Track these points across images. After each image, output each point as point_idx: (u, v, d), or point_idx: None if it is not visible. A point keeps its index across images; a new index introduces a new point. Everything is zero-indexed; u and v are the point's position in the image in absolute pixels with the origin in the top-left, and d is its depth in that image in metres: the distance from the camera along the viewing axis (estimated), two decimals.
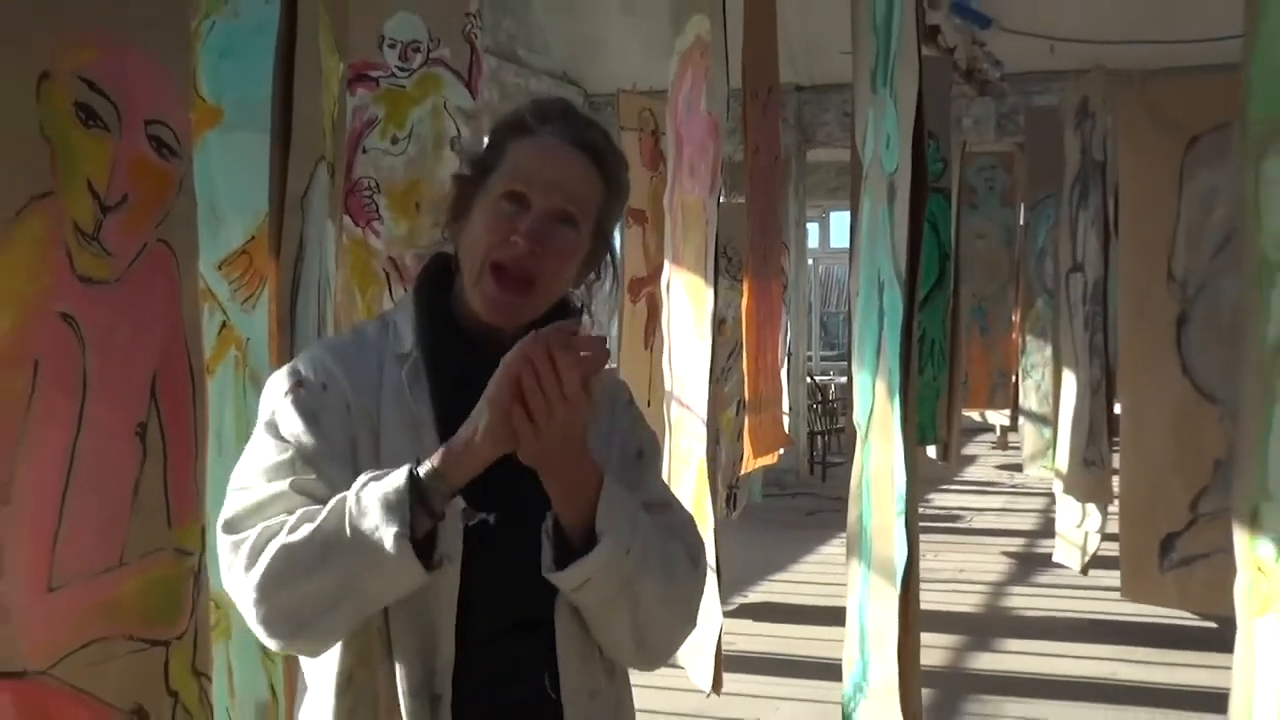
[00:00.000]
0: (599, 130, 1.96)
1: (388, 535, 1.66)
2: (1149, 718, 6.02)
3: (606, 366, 1.80)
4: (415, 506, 1.68)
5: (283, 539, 1.73)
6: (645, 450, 2.06)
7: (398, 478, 1.69)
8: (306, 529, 1.72)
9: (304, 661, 1.96)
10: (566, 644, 1.88)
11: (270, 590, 1.74)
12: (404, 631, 1.81)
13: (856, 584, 4.78)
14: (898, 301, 4.23)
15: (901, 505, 4.23)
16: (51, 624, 2.24)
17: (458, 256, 1.93)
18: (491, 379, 1.69)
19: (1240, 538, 3.74)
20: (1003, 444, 16.69)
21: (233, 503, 1.85)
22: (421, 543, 1.70)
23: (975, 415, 14.96)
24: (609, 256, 2.04)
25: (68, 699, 2.25)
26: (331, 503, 1.73)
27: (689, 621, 2.00)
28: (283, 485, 1.81)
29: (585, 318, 2.05)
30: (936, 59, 9.15)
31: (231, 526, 1.83)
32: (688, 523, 2.05)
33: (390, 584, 1.73)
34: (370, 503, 1.69)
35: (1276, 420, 3.53)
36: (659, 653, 1.97)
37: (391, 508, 1.67)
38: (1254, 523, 3.65)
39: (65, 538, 2.25)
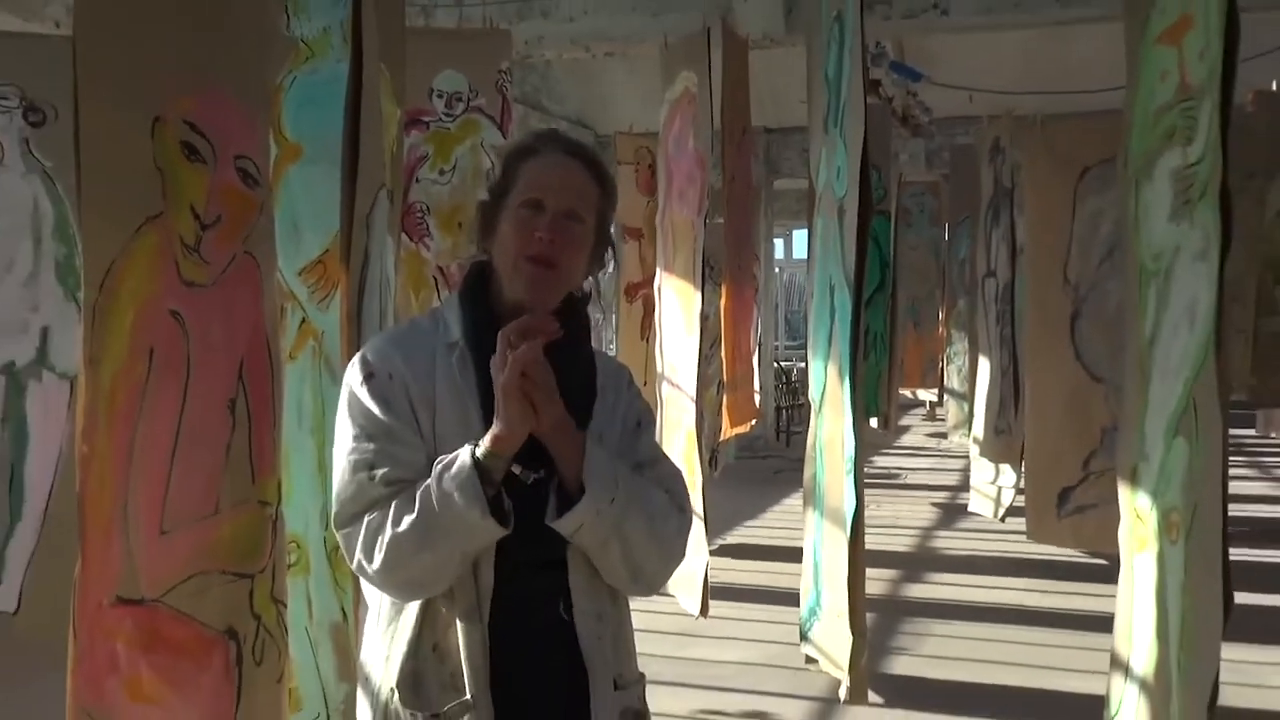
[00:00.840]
0: (587, 146, 2.01)
1: (472, 513, 1.75)
2: (1048, 636, 6.02)
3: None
4: (483, 482, 1.76)
5: (390, 532, 1.80)
6: (642, 420, 2.06)
7: (465, 465, 1.77)
8: (408, 520, 1.79)
9: (369, 592, 1.98)
10: (577, 577, 1.89)
11: (390, 573, 1.83)
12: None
13: (811, 529, 4.78)
14: (847, 301, 4.22)
15: (850, 465, 4.23)
16: (163, 560, 2.25)
17: (492, 263, 1.94)
18: (500, 383, 1.77)
19: (1123, 491, 3.74)
20: (931, 416, 16.70)
21: (336, 497, 1.91)
22: (493, 505, 1.77)
23: (909, 393, 14.97)
24: (609, 250, 2.05)
25: (175, 621, 2.27)
26: (419, 494, 1.80)
27: (676, 556, 2.01)
28: (372, 477, 1.85)
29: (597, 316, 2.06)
30: (877, 106, 9.13)
31: (339, 521, 1.89)
32: (675, 474, 2.06)
33: (481, 543, 1.80)
34: (451, 489, 1.77)
35: (1152, 397, 3.53)
36: (652, 583, 1.98)
37: (467, 490, 1.76)
38: (1133, 479, 3.66)
39: (173, 491, 2.27)
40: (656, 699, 2.09)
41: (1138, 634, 3.62)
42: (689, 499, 2.07)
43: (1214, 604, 3.08)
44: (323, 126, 3.24)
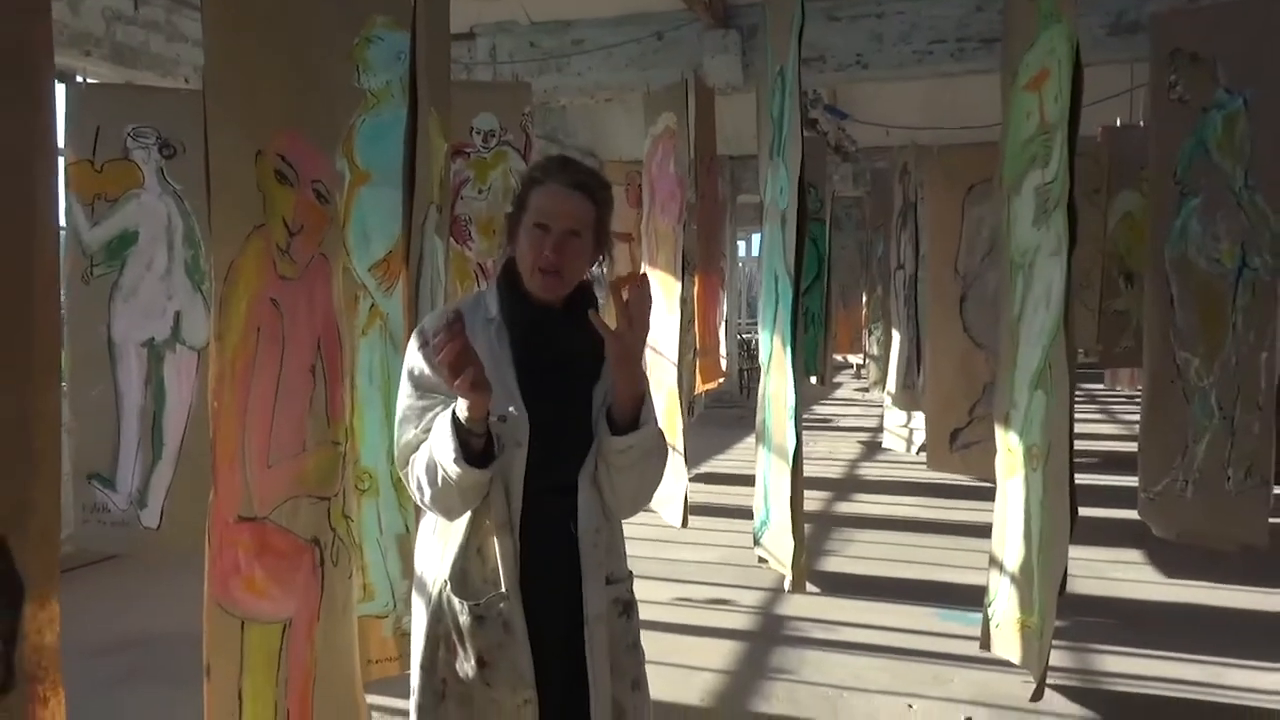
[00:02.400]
0: (586, 171, 1.93)
1: (450, 462, 1.74)
2: (943, 541, 6.04)
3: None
4: (463, 438, 1.74)
5: (417, 473, 1.83)
6: None
7: (445, 424, 1.76)
8: (424, 464, 1.81)
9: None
10: (584, 499, 1.88)
11: (430, 504, 1.84)
12: (496, 489, 1.82)
13: (762, 461, 4.79)
14: (788, 288, 4.22)
15: (792, 412, 4.24)
16: (269, 487, 2.27)
17: (516, 260, 1.93)
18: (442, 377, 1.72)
19: (998, 431, 3.77)
20: (857, 375, 16.72)
21: (396, 443, 1.91)
22: (483, 452, 1.76)
23: (841, 357, 15.02)
24: (608, 245, 2.01)
25: (277, 533, 2.28)
26: (427, 444, 1.81)
27: (658, 484, 2.00)
28: (419, 430, 1.86)
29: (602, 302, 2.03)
30: (815, 138, 9.11)
31: (399, 464, 1.91)
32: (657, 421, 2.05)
33: (471, 483, 1.77)
34: (437, 444, 1.77)
35: (1020, 359, 3.55)
36: (638, 508, 1.97)
37: (446, 444, 1.74)
38: (1006, 422, 3.68)
39: (275, 434, 2.27)
40: (645, 589, 2.10)
41: (1009, 539, 3.65)
42: (666, 441, 2.07)
43: (1063, 516, 3.11)
44: (386, 157, 3.22)
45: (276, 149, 2.26)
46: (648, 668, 2.03)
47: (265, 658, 2.23)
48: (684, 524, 5.79)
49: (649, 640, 2.05)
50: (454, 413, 1.74)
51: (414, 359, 1.88)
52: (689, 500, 5.85)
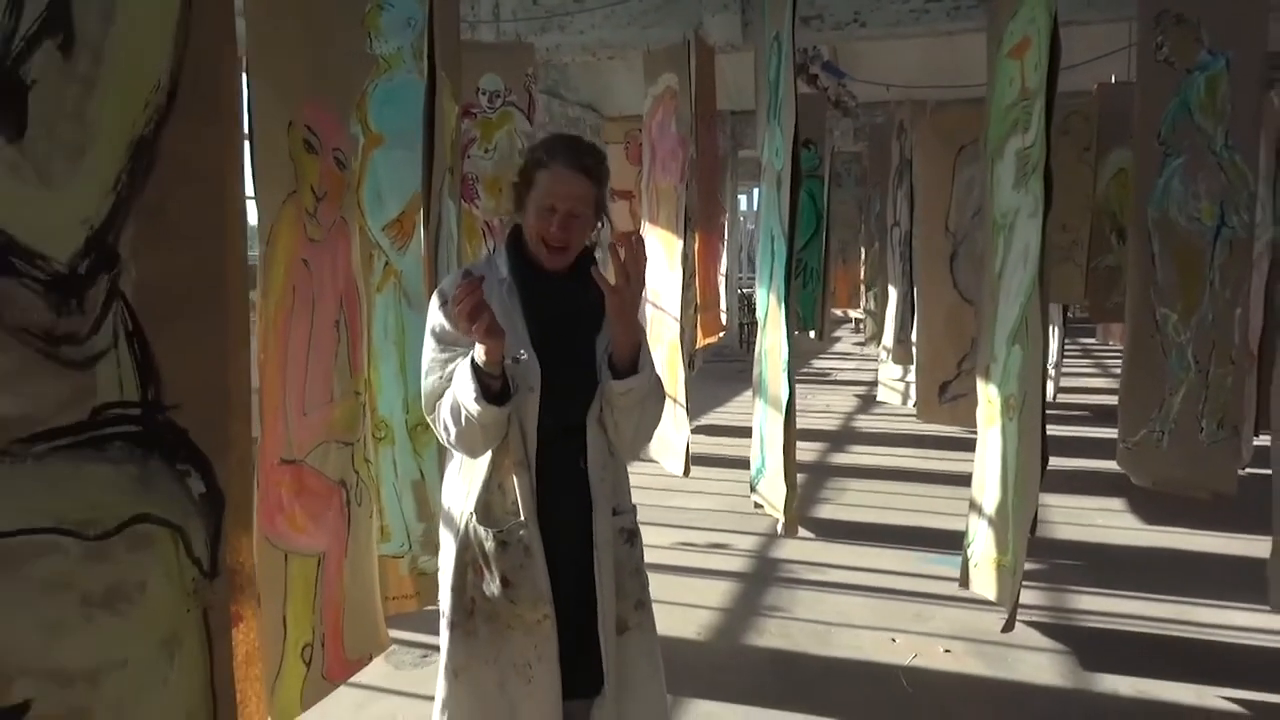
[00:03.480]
0: (586, 150, 2.09)
1: (471, 401, 1.93)
2: (930, 490, 6.24)
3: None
4: (482, 380, 1.93)
5: (441, 416, 2.02)
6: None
7: (465, 368, 1.95)
8: (449, 407, 2.00)
9: (452, 449, 2.14)
10: (591, 438, 2.09)
11: (455, 443, 2.03)
12: (514, 431, 2.03)
13: (758, 412, 4.98)
14: (783, 246, 4.37)
15: (786, 366, 4.40)
16: (305, 433, 2.45)
17: (523, 229, 2.12)
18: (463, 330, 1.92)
19: (979, 383, 3.96)
20: (857, 329, 16.86)
21: (422, 391, 2.09)
22: (500, 391, 1.95)
23: (839, 312, 15.13)
24: (605, 216, 2.18)
25: (312, 475, 2.47)
26: (450, 393, 2.00)
27: (656, 426, 2.20)
28: (441, 376, 2.05)
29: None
30: (815, 95, 9.15)
31: (425, 410, 2.10)
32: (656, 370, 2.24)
33: (488, 419, 1.96)
34: (459, 385, 1.96)
35: (999, 316, 3.73)
36: (638, 447, 2.17)
37: (467, 385, 1.94)
38: (986, 375, 3.87)
39: (309, 385, 2.45)
40: (649, 534, 2.29)
41: (988, 484, 3.84)
42: (664, 386, 2.25)
43: (1035, 463, 3.30)
44: (399, 120, 3.34)
45: (304, 119, 2.41)
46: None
47: (304, 587, 2.45)
48: (685, 473, 5.98)
49: (652, 581, 2.26)
50: (473, 358, 1.95)
51: (435, 317, 2.08)
52: (690, 451, 6.05)
